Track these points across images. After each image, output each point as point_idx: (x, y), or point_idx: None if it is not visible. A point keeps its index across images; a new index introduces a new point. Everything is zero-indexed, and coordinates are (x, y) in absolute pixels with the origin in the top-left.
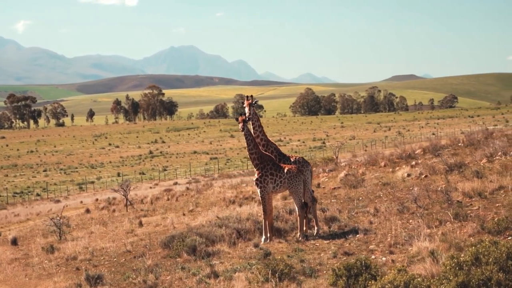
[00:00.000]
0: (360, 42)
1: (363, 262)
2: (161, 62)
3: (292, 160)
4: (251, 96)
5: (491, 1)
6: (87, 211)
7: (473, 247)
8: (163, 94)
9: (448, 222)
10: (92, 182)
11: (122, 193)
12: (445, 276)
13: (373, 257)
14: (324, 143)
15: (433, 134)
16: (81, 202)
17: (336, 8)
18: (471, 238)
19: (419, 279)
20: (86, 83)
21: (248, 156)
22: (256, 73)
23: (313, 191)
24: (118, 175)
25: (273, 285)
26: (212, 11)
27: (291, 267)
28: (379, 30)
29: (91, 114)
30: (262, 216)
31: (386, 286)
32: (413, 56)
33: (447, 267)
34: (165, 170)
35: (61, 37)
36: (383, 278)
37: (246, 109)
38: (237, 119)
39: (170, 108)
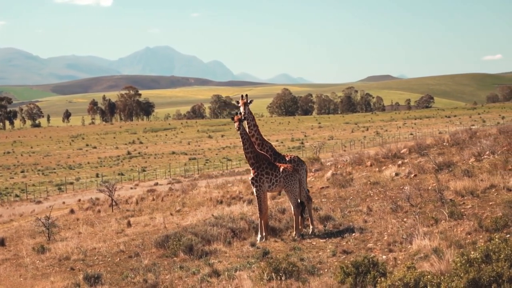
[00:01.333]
0: (336, 42)
1: (370, 259)
2: (136, 63)
3: (287, 159)
4: (246, 95)
5: (465, 1)
6: (72, 211)
7: (483, 244)
8: (140, 94)
9: (443, 221)
10: (71, 183)
11: (108, 194)
12: (456, 273)
13: (372, 255)
14: (302, 143)
15: (411, 134)
16: (64, 202)
17: (311, 9)
18: (469, 236)
19: (429, 276)
20: (61, 83)
21: (244, 155)
22: (232, 73)
23: (308, 190)
24: (97, 176)
25: (280, 284)
26: (187, 12)
27: (294, 265)
28: (355, 30)
29: (67, 115)
30: (258, 215)
31: (396, 283)
32: (389, 57)
33: (458, 264)
34: (144, 170)
35: (36, 38)
36: (393, 275)
37: (241, 108)
38: (232, 118)
39: (146, 108)
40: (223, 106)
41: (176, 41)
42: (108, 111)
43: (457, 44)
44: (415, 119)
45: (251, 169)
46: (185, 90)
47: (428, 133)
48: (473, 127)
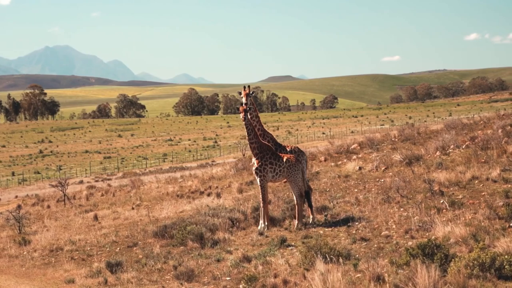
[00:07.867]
0: (235, 43)
1: (434, 241)
2: (36, 62)
3: (288, 149)
4: (248, 86)
5: (361, 3)
6: (19, 207)
7: None
8: (45, 94)
9: (444, 210)
10: None
11: (60, 189)
12: None
13: (395, 242)
14: (216, 142)
15: (323, 133)
16: (0, 199)
17: (210, 9)
18: (482, 223)
19: (505, 256)
20: None
21: (248, 146)
22: (133, 73)
23: (308, 180)
24: (13, 174)
25: (338, 267)
26: (87, 11)
27: (335, 250)
28: (254, 31)
29: None
30: (261, 204)
31: (471, 264)
32: (288, 58)
33: None
34: (60, 169)
35: None
36: (468, 255)
37: (244, 99)
38: (237, 109)
39: (52, 108)
40: (129, 106)
41: (76, 40)
42: (13, 110)
43: (355, 45)
44: (323, 119)
45: (255, 159)
46: (86, 89)
47: (340, 132)
48: (382, 126)
